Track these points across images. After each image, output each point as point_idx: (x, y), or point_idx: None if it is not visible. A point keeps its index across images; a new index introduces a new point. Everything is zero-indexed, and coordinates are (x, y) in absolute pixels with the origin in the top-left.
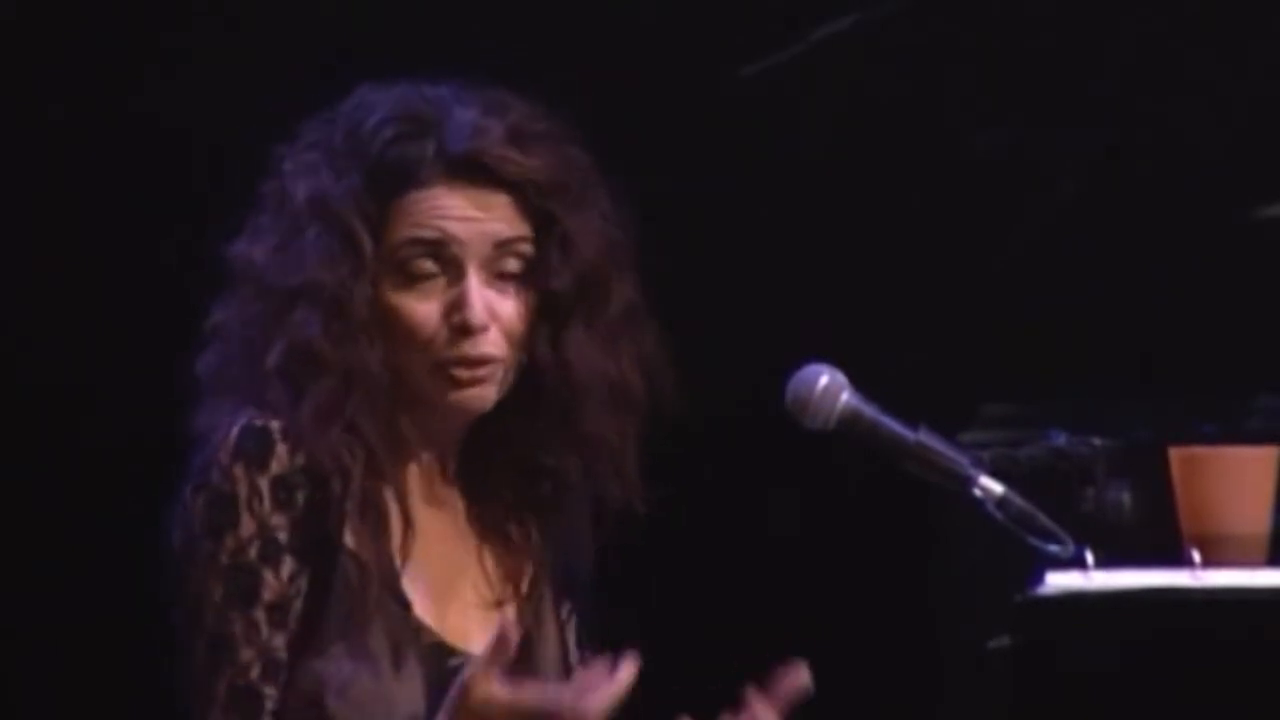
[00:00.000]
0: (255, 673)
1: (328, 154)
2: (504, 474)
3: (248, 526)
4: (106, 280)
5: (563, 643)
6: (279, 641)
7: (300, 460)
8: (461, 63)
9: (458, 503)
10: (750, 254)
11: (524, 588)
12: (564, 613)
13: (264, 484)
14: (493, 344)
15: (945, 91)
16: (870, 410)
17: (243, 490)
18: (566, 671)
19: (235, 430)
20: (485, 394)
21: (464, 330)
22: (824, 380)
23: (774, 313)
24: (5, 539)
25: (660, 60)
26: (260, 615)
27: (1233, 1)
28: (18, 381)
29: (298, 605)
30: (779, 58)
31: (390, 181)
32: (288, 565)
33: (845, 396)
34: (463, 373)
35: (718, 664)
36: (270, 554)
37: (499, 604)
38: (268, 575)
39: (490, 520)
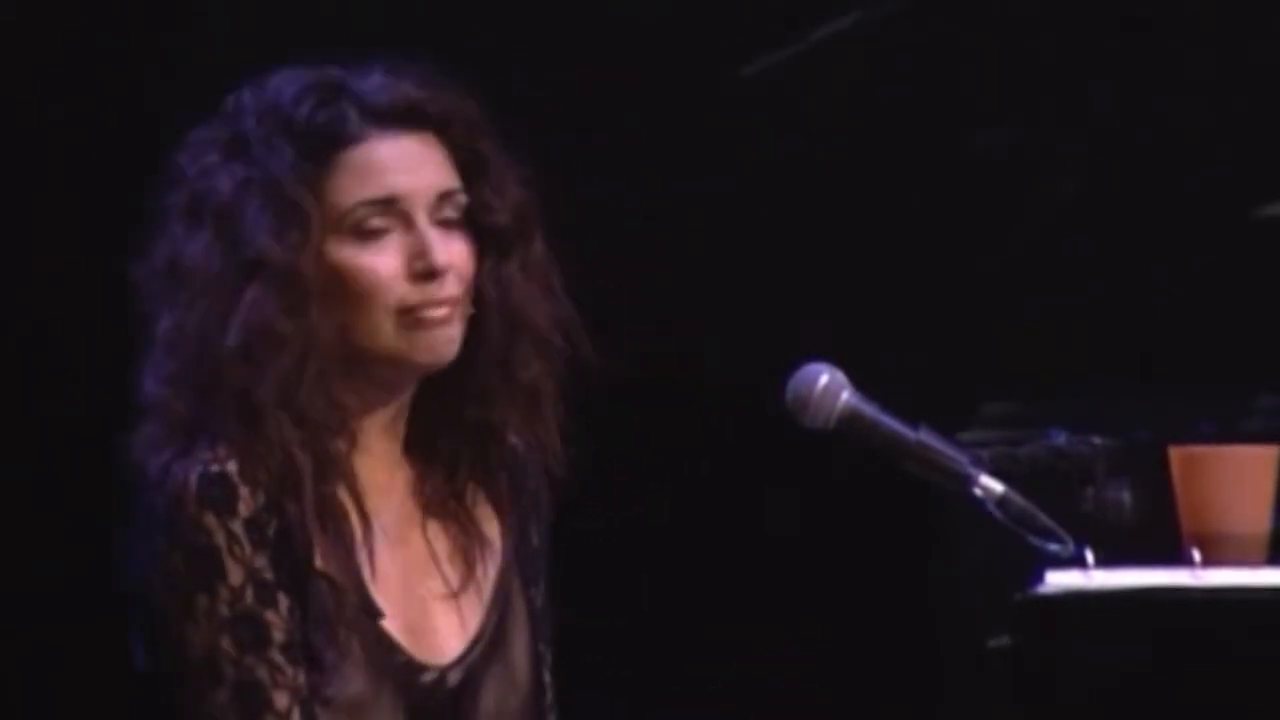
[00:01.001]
0: (297, 717)
1: (245, 141)
2: (450, 440)
3: (236, 574)
4: (106, 280)
5: (532, 631)
6: (303, 679)
7: (262, 498)
8: (461, 62)
9: (407, 481)
10: (750, 254)
11: (481, 572)
12: (532, 599)
13: (238, 528)
14: (453, 285)
15: (945, 91)
16: (870, 409)
17: (220, 539)
18: (536, 661)
19: (194, 479)
20: (453, 335)
21: (429, 274)
22: (824, 379)
23: (774, 313)
24: (5, 540)
25: (660, 60)
26: (278, 657)
27: (1233, 1)
28: (17, 381)
29: (298, 638)
30: (779, 58)
31: (322, 144)
32: (284, 601)
33: (845, 396)
34: (431, 313)
35: (717, 664)
36: (266, 596)
37: (459, 591)
38: (270, 616)
39: (438, 495)
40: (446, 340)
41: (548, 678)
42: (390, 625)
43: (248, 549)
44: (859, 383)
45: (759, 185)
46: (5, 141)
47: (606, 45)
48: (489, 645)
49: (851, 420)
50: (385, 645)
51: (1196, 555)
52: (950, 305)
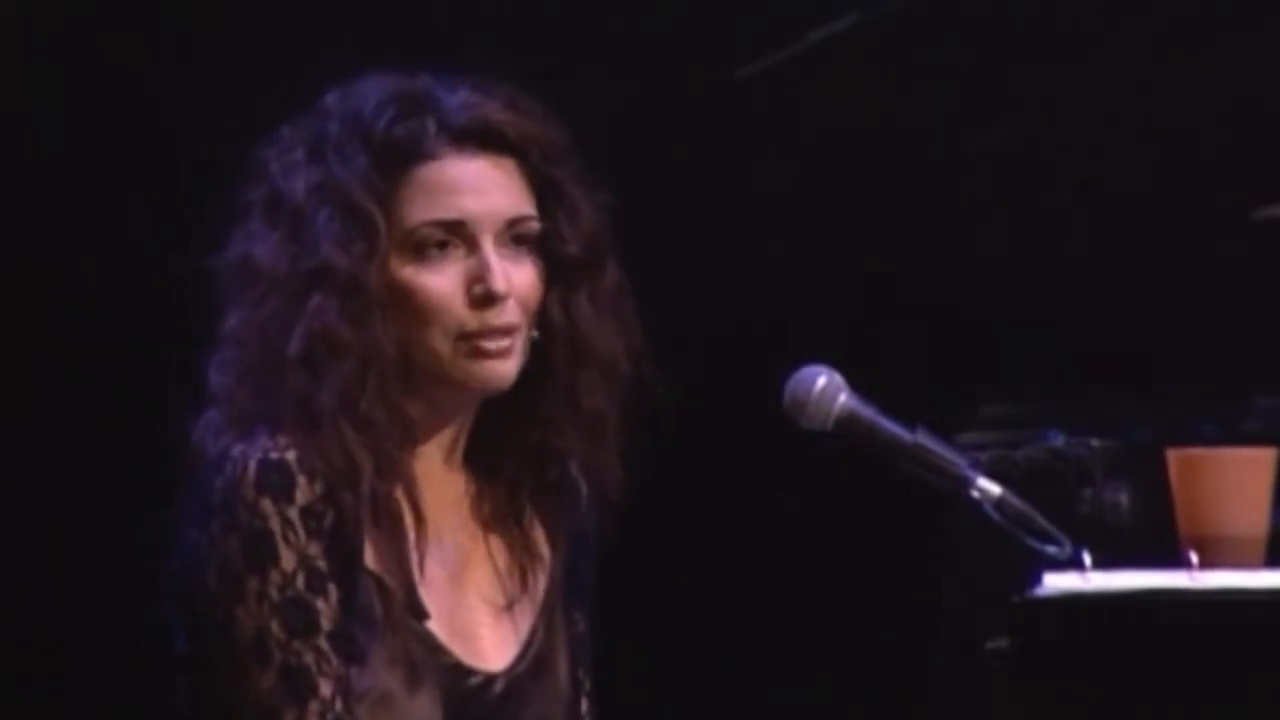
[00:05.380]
0: (340, 706)
1: (324, 144)
2: (512, 460)
3: (288, 560)
4: (107, 280)
5: (572, 654)
6: (345, 670)
7: (319, 489)
8: (460, 62)
9: (465, 492)
10: (750, 254)
11: (533, 587)
12: (575, 623)
13: (294, 515)
14: (512, 312)
15: (944, 92)
16: (868, 411)
17: (275, 525)
18: (575, 686)
19: (253, 465)
20: (508, 368)
21: (487, 300)
22: (821, 381)
23: (774, 313)
24: (7, 538)
25: (660, 60)
26: (325, 645)
27: (1233, 2)
28: (17, 381)
29: (344, 629)
30: (778, 58)
31: (397, 157)
32: (334, 592)
33: (843, 398)
34: (488, 344)
35: (716, 663)
36: (317, 584)
37: (509, 604)
38: (320, 604)
39: (496, 510)
40: (499, 373)
41: (585, 705)
42: (436, 627)
43: (302, 536)
44: (858, 383)
45: (759, 185)
46: (5, 141)
47: (607, 45)
48: (535, 660)
49: (849, 422)
50: (430, 646)
51: (1194, 557)
52: (950, 306)
